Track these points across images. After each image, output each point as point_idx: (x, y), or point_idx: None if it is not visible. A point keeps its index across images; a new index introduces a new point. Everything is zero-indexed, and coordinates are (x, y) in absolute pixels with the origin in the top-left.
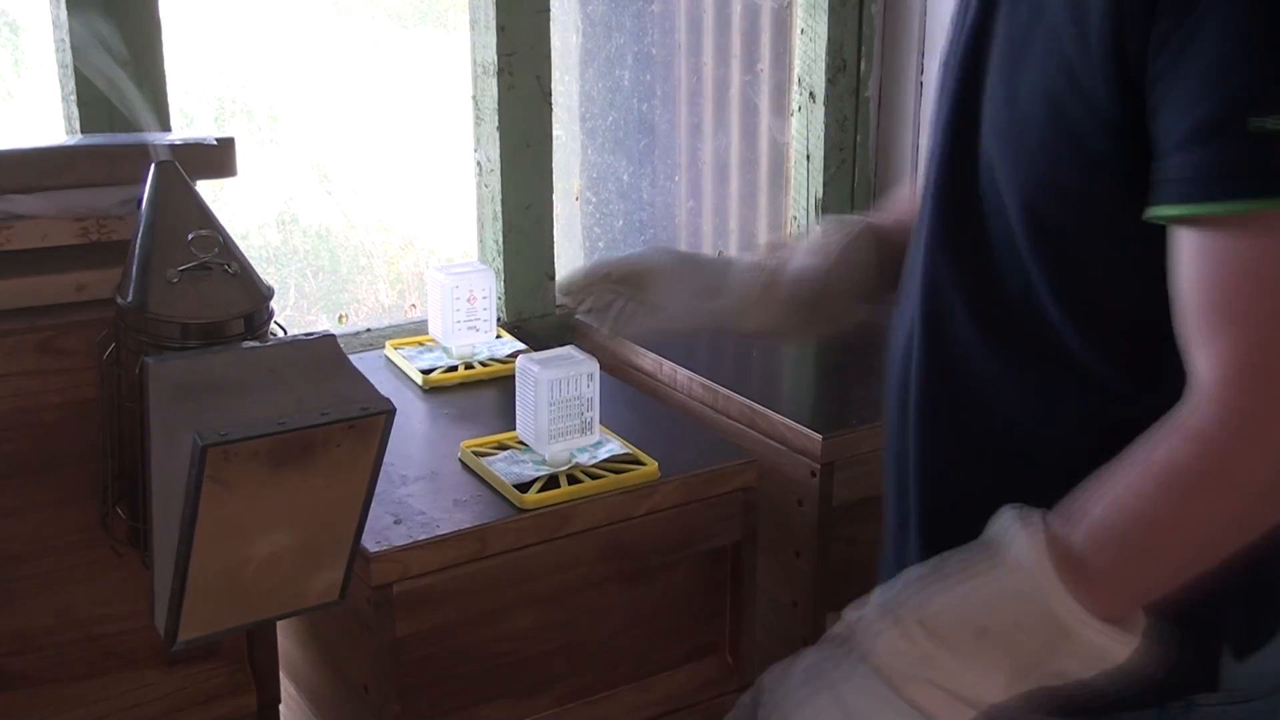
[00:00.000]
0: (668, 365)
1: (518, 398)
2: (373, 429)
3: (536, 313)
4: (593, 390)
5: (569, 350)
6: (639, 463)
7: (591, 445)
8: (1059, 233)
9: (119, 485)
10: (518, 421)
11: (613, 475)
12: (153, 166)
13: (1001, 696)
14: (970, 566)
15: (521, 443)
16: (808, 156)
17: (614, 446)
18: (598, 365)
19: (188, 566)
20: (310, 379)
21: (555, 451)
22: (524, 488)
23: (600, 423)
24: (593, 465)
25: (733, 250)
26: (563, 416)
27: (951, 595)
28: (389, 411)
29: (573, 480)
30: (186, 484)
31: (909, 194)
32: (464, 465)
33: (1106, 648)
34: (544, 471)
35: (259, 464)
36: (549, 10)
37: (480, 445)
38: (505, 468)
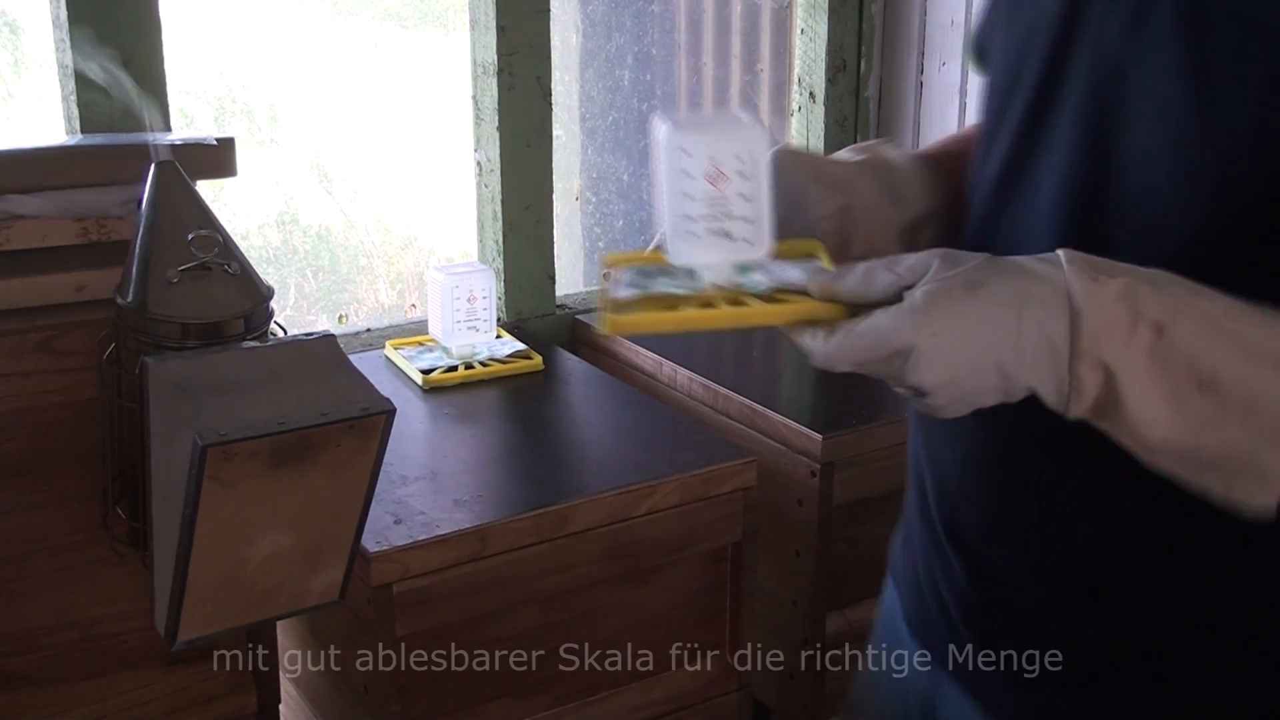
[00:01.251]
0: (668, 365)
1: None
2: (373, 429)
3: (536, 312)
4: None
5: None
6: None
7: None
8: (1251, 267)
9: (119, 485)
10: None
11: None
12: (153, 166)
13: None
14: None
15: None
16: None
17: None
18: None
19: (188, 566)
20: (310, 379)
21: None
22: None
23: (599, 422)
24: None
25: None
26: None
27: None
28: (389, 411)
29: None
30: (186, 484)
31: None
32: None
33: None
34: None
35: (259, 464)
36: (549, 10)
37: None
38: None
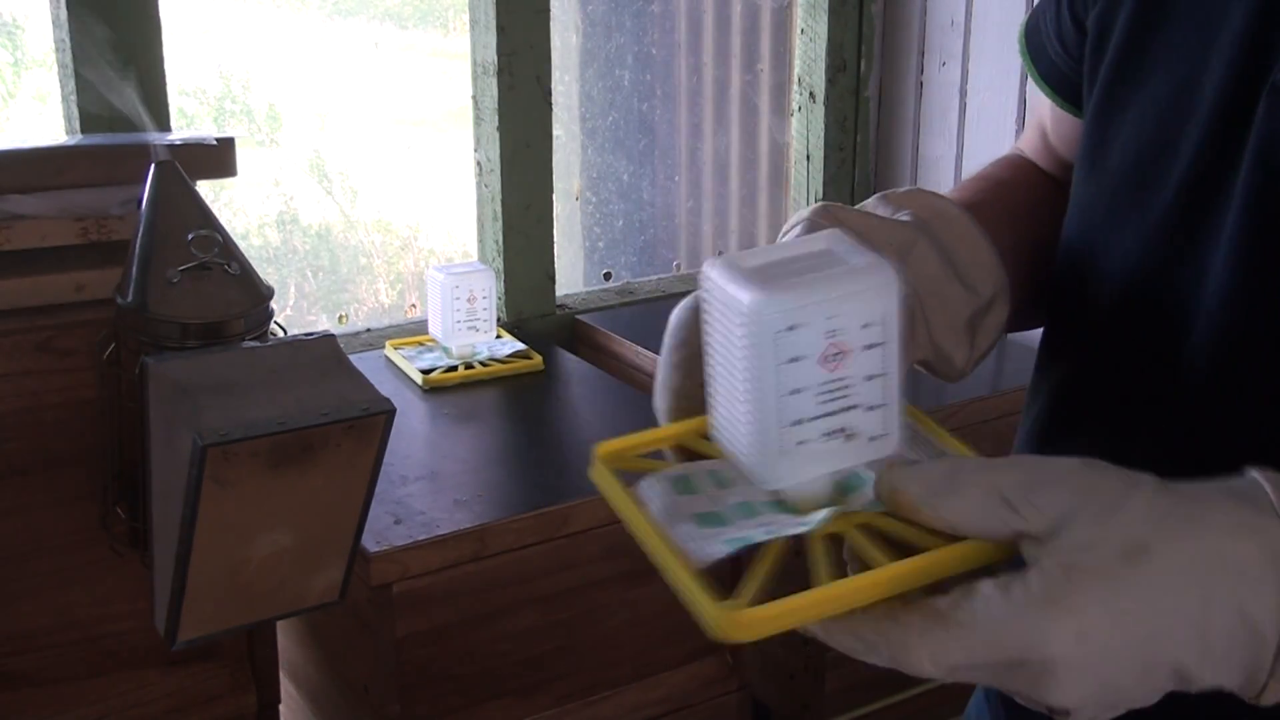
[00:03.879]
0: None
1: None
2: (373, 429)
3: (536, 312)
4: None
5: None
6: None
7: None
8: None
9: (119, 485)
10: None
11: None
12: (153, 166)
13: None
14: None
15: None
16: (808, 156)
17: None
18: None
19: (188, 566)
20: (310, 379)
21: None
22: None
23: (599, 422)
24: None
25: (734, 248)
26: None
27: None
28: (389, 411)
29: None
30: (186, 484)
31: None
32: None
33: None
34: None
35: (259, 464)
36: (549, 10)
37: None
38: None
